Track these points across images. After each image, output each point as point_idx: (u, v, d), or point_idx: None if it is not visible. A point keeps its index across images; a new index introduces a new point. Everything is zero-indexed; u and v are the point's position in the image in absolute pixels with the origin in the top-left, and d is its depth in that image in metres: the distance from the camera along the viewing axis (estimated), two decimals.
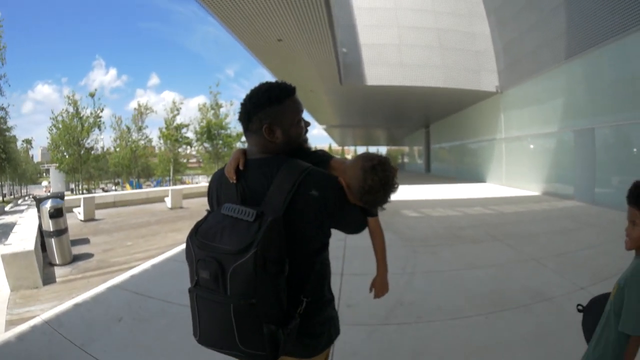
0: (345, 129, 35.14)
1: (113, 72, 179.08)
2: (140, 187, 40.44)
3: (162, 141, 31.44)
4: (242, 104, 1.20)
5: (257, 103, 1.16)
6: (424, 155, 27.60)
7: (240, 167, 1.19)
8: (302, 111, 1.24)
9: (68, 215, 10.63)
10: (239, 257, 0.97)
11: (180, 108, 30.27)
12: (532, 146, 12.40)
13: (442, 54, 14.32)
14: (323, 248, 1.21)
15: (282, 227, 1.05)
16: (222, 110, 30.29)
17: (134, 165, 33.14)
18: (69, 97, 27.46)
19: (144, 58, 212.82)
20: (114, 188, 46.66)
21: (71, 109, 27.14)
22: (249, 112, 1.18)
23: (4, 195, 39.59)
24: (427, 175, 23.99)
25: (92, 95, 28.40)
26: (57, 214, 5.90)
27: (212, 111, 30.20)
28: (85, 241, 7.50)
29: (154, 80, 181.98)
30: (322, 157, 1.29)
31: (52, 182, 50.48)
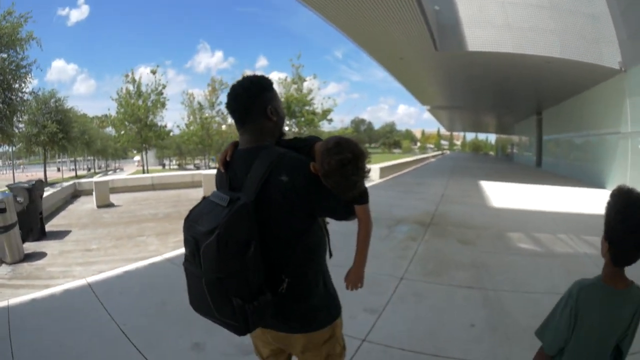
0: (452, 111, 33.24)
1: (219, 54, 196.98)
2: None
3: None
4: (234, 98, 1.38)
5: (260, 88, 1.39)
6: (534, 147, 24.25)
7: (227, 158, 1.43)
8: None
9: (87, 200, 11.06)
10: (208, 237, 1.16)
11: None
12: None
13: (554, 15, 11.94)
14: (303, 233, 1.33)
15: (250, 211, 1.24)
16: (305, 84, 28.96)
17: (207, 142, 34.74)
18: (127, 76, 28.85)
19: (249, 41, 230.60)
20: (208, 164, 51.02)
21: (131, 87, 28.75)
22: (248, 100, 1.37)
23: (76, 171, 45.44)
24: (538, 171, 21.08)
25: (153, 72, 29.48)
26: (1, 208, 5.54)
27: (295, 85, 28.79)
28: (63, 235, 7.17)
29: (262, 62, 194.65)
30: (306, 141, 1.43)
31: (143, 157, 57.35)
